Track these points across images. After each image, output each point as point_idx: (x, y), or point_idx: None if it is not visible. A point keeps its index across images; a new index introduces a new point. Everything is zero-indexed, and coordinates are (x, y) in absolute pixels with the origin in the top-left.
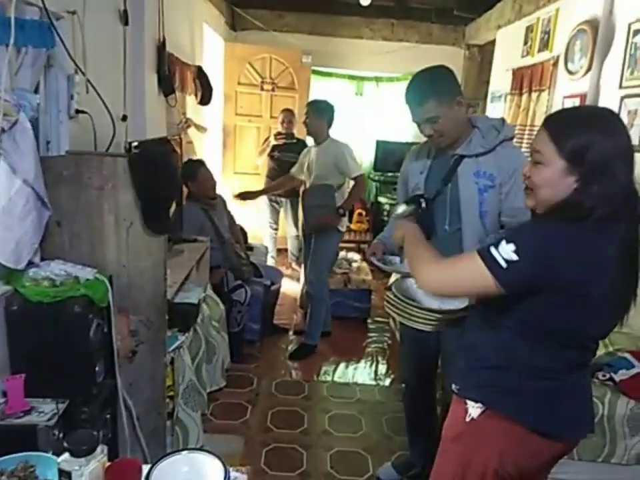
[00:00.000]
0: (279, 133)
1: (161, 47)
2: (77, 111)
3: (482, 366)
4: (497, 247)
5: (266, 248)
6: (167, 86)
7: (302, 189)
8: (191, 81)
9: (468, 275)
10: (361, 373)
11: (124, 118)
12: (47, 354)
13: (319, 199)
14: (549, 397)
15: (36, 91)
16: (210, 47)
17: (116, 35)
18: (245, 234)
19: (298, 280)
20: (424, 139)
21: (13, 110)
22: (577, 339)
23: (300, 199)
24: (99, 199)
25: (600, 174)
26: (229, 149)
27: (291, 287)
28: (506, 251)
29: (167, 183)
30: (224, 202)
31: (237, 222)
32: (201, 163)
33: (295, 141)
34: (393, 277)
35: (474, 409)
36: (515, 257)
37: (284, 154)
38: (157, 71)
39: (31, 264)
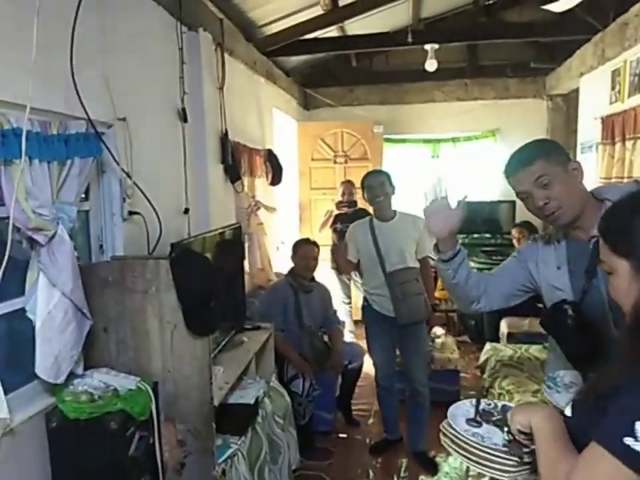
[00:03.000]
0: (340, 202)
1: (224, 137)
2: (130, 212)
3: None
4: (634, 435)
5: (343, 323)
6: (232, 173)
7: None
8: (261, 165)
9: None
10: (449, 471)
11: (186, 211)
12: (88, 472)
13: (412, 286)
14: None
15: (87, 197)
16: (281, 129)
17: (175, 132)
18: None
19: None
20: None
21: (49, 224)
22: None
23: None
24: (143, 302)
25: None
26: (305, 222)
27: (370, 364)
28: None
29: (207, 282)
30: (327, 293)
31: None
32: (306, 241)
33: (357, 208)
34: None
35: None
36: None
37: (346, 225)
38: (222, 161)
39: (73, 375)
